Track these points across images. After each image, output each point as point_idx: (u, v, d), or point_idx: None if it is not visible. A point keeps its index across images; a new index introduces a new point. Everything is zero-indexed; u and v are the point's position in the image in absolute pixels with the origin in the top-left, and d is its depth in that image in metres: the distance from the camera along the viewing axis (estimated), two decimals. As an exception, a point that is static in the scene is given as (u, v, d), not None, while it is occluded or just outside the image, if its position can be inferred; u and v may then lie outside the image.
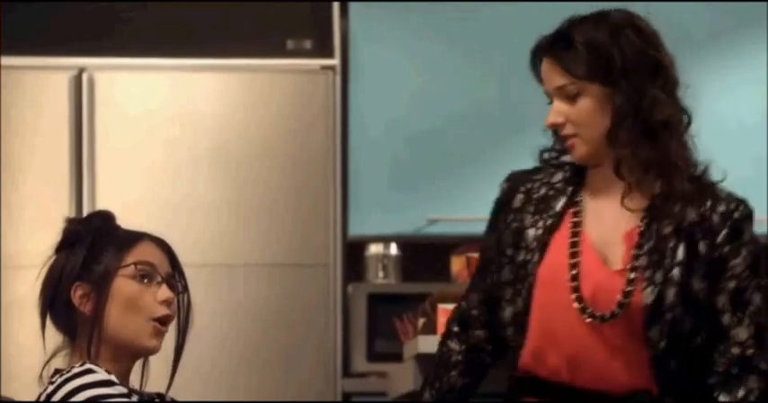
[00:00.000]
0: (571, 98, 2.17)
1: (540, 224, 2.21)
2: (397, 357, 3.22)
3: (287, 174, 3.87)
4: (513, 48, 3.88)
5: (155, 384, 2.19)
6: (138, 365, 2.19)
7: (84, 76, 3.85)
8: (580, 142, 2.17)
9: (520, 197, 2.25)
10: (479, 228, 2.34)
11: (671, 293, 2.12)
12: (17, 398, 2.28)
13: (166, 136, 3.86)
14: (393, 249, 4.17)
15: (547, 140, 2.26)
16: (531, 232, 2.21)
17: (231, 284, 3.83)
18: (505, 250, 2.23)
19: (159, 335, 2.15)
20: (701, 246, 2.14)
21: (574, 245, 2.17)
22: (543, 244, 2.20)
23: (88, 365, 2.08)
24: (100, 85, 3.85)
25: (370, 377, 3.99)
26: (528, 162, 2.28)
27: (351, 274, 4.11)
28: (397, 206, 4.08)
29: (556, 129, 2.20)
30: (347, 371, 3.96)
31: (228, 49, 3.91)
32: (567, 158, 2.26)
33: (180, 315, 2.16)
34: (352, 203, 4.06)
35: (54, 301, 2.13)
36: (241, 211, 3.86)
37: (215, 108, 3.88)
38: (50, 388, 2.06)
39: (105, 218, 2.18)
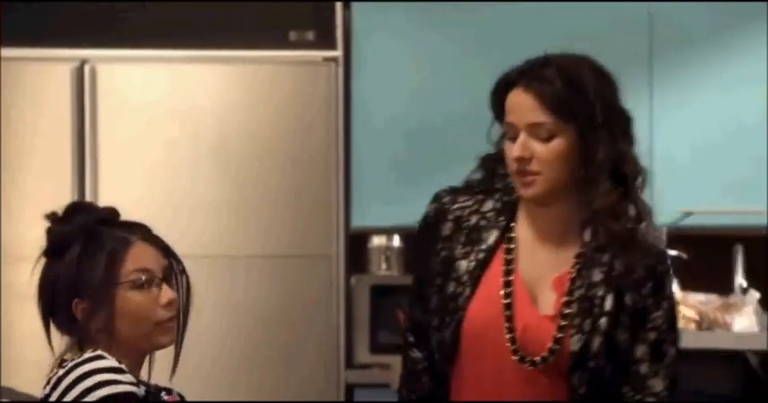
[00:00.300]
0: (544, 137, 2.16)
1: (473, 257, 2.22)
2: (400, 349, 3.21)
3: (289, 165, 3.87)
4: (515, 41, 3.93)
5: (158, 370, 2.19)
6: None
7: (86, 68, 3.84)
8: (541, 181, 2.16)
9: (449, 225, 2.24)
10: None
11: (596, 342, 2.16)
12: (19, 390, 2.28)
13: (169, 127, 3.85)
14: (396, 241, 4.16)
15: None
16: (463, 264, 2.21)
17: (233, 276, 3.83)
18: (434, 279, 2.24)
19: (168, 331, 2.15)
20: (627, 298, 2.18)
21: (507, 284, 2.19)
22: (475, 279, 2.20)
23: (99, 352, 2.08)
24: (102, 76, 3.84)
25: (374, 368, 3.98)
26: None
27: (354, 266, 4.11)
28: (400, 197, 4.07)
29: (519, 164, 2.17)
30: (350, 363, 3.95)
31: (231, 41, 3.90)
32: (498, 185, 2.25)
33: (180, 298, 2.15)
34: (354, 195, 4.05)
35: (54, 313, 2.12)
36: (244, 203, 3.85)
37: (217, 100, 3.87)
38: (60, 372, 2.06)
39: (86, 210, 2.15)
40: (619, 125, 2.18)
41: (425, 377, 2.29)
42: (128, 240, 2.11)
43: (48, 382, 2.08)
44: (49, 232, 2.14)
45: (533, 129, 2.16)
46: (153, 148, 3.85)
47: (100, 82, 3.84)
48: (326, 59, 3.91)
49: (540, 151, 2.16)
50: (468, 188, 2.27)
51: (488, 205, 2.25)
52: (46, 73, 3.84)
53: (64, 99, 3.83)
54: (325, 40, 3.93)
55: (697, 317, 3.67)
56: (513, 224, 2.23)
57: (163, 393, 2.17)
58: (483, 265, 2.21)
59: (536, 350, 2.17)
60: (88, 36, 3.85)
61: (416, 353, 2.31)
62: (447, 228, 2.24)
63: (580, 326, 2.16)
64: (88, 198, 3.77)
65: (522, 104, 2.17)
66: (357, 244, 4.12)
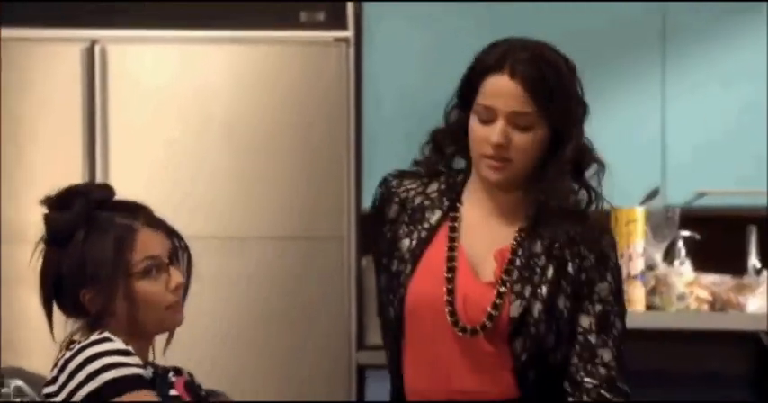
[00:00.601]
0: (523, 126, 2.18)
1: (414, 235, 2.25)
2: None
3: (300, 146, 3.85)
4: (528, 20, 3.91)
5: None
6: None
7: (97, 49, 3.82)
8: (511, 168, 2.19)
9: (395, 208, 2.28)
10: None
11: (537, 308, 2.18)
12: (27, 370, 2.27)
13: (179, 108, 3.83)
14: (407, 222, 4.14)
15: None
16: (406, 243, 2.25)
17: (244, 257, 3.82)
18: (381, 259, 2.28)
19: (177, 313, 2.15)
20: (570, 268, 2.21)
21: (450, 259, 2.22)
22: (416, 256, 2.23)
23: (106, 334, 2.07)
24: (112, 57, 3.83)
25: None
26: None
27: (365, 247, 4.09)
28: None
29: (496, 150, 2.18)
30: (361, 345, 3.94)
31: (241, 21, 3.88)
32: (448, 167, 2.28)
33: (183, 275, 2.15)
34: (366, 175, 4.04)
35: (60, 301, 2.11)
36: (254, 185, 3.84)
37: (228, 80, 3.85)
38: (68, 353, 2.06)
39: (83, 195, 2.13)
40: (583, 118, 2.23)
41: None
42: (132, 227, 2.10)
43: (55, 364, 2.07)
44: (48, 219, 2.12)
45: (515, 117, 2.17)
46: (163, 129, 3.84)
47: (110, 63, 3.82)
48: (337, 40, 3.89)
49: (517, 140, 2.18)
50: (414, 171, 2.31)
51: (433, 187, 2.28)
52: (56, 54, 3.82)
53: (74, 80, 3.82)
54: (336, 21, 3.90)
55: (710, 298, 3.66)
56: (458, 204, 2.26)
57: (171, 374, 2.17)
58: (424, 243, 2.24)
59: (477, 318, 2.20)
60: (98, 16, 3.83)
61: None
62: (393, 211, 2.28)
63: (520, 293, 2.19)
64: (99, 179, 3.76)
65: (508, 91, 2.18)
66: (368, 224, 4.10)
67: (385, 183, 2.32)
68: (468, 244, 2.24)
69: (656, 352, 3.54)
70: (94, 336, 2.06)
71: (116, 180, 3.71)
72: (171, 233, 2.15)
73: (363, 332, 4.00)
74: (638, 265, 3.55)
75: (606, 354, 2.20)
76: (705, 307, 3.66)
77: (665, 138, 4.01)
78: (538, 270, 2.21)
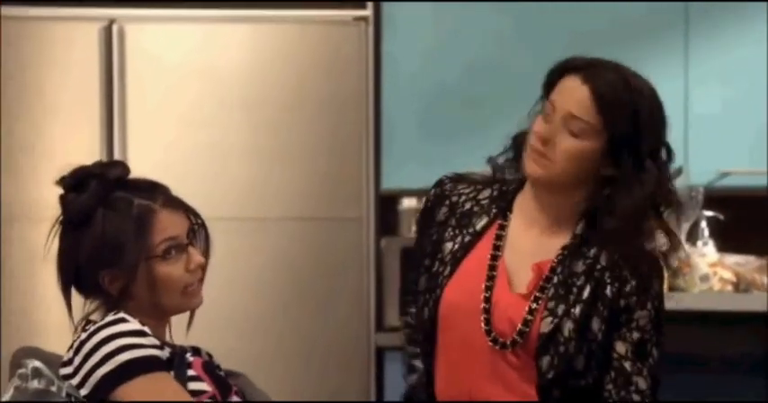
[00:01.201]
0: (575, 131, 2.15)
1: (459, 240, 2.25)
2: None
3: (319, 127, 3.84)
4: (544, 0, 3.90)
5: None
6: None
7: (115, 27, 3.81)
8: (551, 169, 2.17)
9: (444, 210, 2.28)
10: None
11: (568, 327, 2.17)
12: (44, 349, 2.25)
13: (197, 87, 3.82)
14: (426, 203, 4.13)
15: None
16: (449, 246, 2.25)
17: (263, 238, 3.81)
18: (424, 260, 2.28)
19: (197, 294, 2.13)
20: (608, 291, 2.18)
21: (492, 268, 2.22)
22: (457, 259, 2.24)
23: (122, 314, 2.05)
24: (130, 36, 3.82)
25: (404, 331, 3.96)
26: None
27: (384, 229, 4.08)
28: (431, 159, 4.03)
29: (537, 142, 2.17)
30: (380, 326, 3.93)
31: (260, 0, 3.85)
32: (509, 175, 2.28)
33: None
34: (385, 156, 4.02)
35: (78, 282, 2.10)
36: (274, 165, 3.83)
37: (246, 59, 3.84)
38: (83, 335, 2.04)
39: (98, 175, 2.11)
40: (659, 158, 2.18)
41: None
42: (152, 208, 2.08)
43: (71, 346, 2.06)
44: (64, 201, 2.10)
45: (570, 119, 2.15)
46: (181, 109, 3.82)
47: (128, 41, 3.81)
48: (356, 19, 3.87)
49: (563, 142, 2.15)
50: (471, 177, 2.32)
51: (485, 193, 2.28)
52: (74, 32, 3.81)
53: (92, 59, 3.81)
54: (355, 0, 3.87)
55: (734, 279, 3.63)
56: (508, 213, 2.26)
57: (188, 354, 2.15)
58: (467, 248, 2.24)
59: (504, 328, 2.19)
60: (116, -5, 3.82)
61: (411, 347, 2.38)
62: (442, 213, 2.28)
63: (553, 310, 2.17)
64: (117, 157, 3.75)
65: (573, 91, 2.16)
66: (387, 206, 4.10)
67: (440, 184, 2.32)
68: (509, 254, 2.23)
69: (679, 334, 3.51)
70: (110, 317, 2.05)
71: (134, 159, 3.71)
72: (188, 211, 2.13)
73: (382, 313, 3.99)
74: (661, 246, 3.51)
75: (641, 383, 2.19)
76: (729, 288, 3.63)
77: (688, 118, 3.98)
78: (575, 289, 2.18)
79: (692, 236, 3.74)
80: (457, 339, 2.23)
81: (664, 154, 2.21)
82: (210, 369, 2.15)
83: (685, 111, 3.99)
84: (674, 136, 3.94)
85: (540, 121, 2.18)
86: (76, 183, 2.09)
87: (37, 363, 2.02)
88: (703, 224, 3.74)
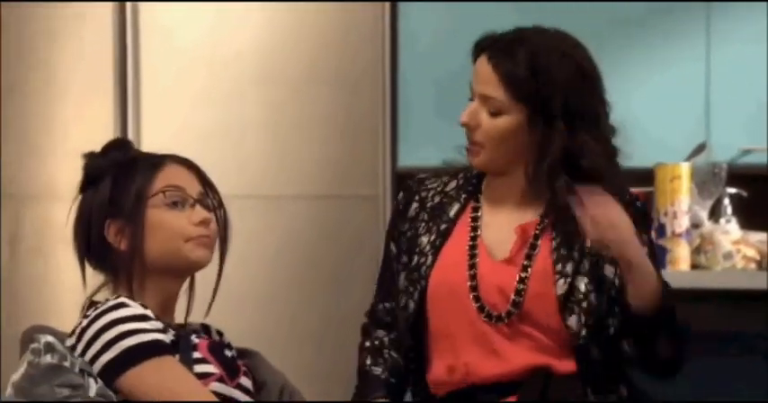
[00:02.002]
0: (492, 111, 2.18)
1: (434, 230, 2.26)
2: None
3: (335, 104, 3.80)
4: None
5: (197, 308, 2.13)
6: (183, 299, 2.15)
7: (128, 5, 3.78)
8: (484, 153, 2.20)
9: (414, 206, 2.30)
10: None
11: (583, 283, 2.16)
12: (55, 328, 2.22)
13: (212, 65, 3.79)
14: (443, 180, 4.10)
15: None
16: (425, 239, 2.26)
17: (279, 216, 3.79)
18: (401, 257, 2.29)
19: (200, 246, 2.09)
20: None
21: (472, 248, 2.22)
22: (436, 248, 2.24)
23: (122, 299, 2.02)
24: (144, 13, 3.79)
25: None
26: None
27: (400, 206, 4.05)
28: (448, 137, 3.97)
29: (465, 128, 2.22)
30: (397, 305, 3.90)
31: (276, -23, 3.82)
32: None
33: (219, 232, 2.12)
34: (401, 134, 3.99)
35: (89, 241, 2.08)
36: (289, 142, 3.79)
37: (261, 37, 3.80)
38: (84, 322, 2.02)
39: (122, 146, 2.14)
40: (582, 116, 2.16)
41: (390, 352, 2.32)
42: (162, 159, 2.10)
43: (72, 332, 2.02)
44: (85, 166, 2.13)
45: (486, 101, 2.18)
46: (196, 87, 3.79)
47: (142, 19, 3.80)
48: (374, -4, 3.82)
49: (485, 123, 2.18)
50: (435, 173, 2.35)
51: (452, 184, 2.31)
52: (87, 9, 3.78)
53: (105, 37, 3.78)
54: (373, -23, 3.83)
55: (758, 257, 3.57)
56: (479, 195, 2.28)
57: (193, 335, 2.11)
58: (445, 235, 2.25)
59: (495, 300, 2.19)
60: (130, -28, 3.79)
61: (378, 332, 2.35)
62: (413, 210, 2.30)
63: (563, 271, 2.17)
64: (131, 136, 3.75)
65: (482, 72, 2.19)
66: (404, 183, 4.06)
67: (407, 186, 2.35)
68: (487, 231, 2.24)
69: (702, 312, 3.47)
70: (110, 302, 2.02)
71: (148, 137, 3.70)
72: (205, 182, 2.12)
73: (398, 291, 3.96)
74: (683, 223, 3.46)
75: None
76: (752, 265, 3.57)
77: (710, 97, 3.94)
78: (576, 245, 2.18)
79: (715, 213, 3.69)
80: (449, 323, 2.22)
81: (601, 110, 2.20)
82: (217, 350, 2.11)
83: (707, 89, 3.94)
84: (695, 113, 3.96)
85: (465, 110, 2.21)
86: (100, 151, 2.12)
87: (50, 338, 1.98)
88: (726, 201, 3.69)
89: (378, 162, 3.82)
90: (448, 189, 2.30)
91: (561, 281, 2.16)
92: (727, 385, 3.50)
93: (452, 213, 2.27)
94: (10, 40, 3.76)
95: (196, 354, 2.05)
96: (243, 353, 2.21)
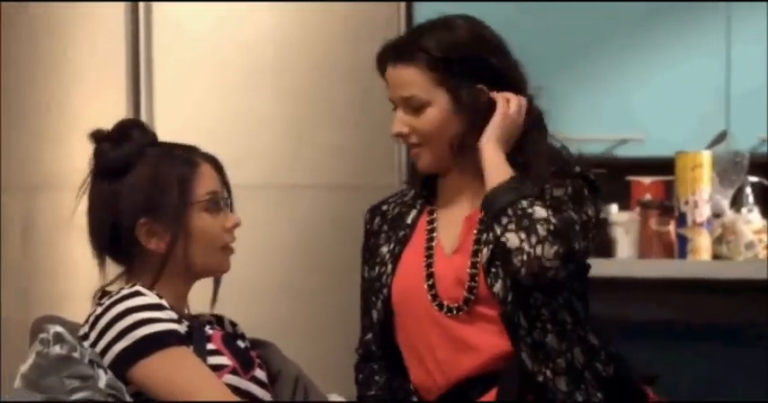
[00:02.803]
0: (417, 108, 2.20)
1: (393, 239, 2.30)
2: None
3: (351, 93, 3.76)
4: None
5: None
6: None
7: (142, -5, 3.76)
8: (426, 151, 2.23)
9: (377, 220, 2.36)
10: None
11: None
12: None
13: (226, 54, 3.75)
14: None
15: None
16: (385, 248, 2.30)
17: (294, 206, 3.75)
18: (367, 273, 2.33)
19: (229, 256, 2.08)
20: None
21: (428, 248, 2.25)
22: (395, 256, 2.28)
23: (137, 287, 1.98)
24: (157, 3, 3.73)
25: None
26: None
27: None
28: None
29: (401, 139, 2.25)
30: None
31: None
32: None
33: None
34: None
35: (112, 235, 2.02)
36: (305, 132, 3.75)
37: (277, 27, 3.76)
38: (99, 310, 1.97)
39: (144, 132, 2.06)
40: (493, 80, 2.20)
41: (383, 376, 2.34)
42: (195, 161, 2.04)
43: (86, 321, 1.98)
44: (102, 152, 2.04)
45: (406, 102, 2.21)
46: (209, 76, 3.75)
47: (155, 9, 3.74)
48: (388, -14, 3.80)
49: (415, 124, 2.21)
50: (397, 192, 2.40)
51: (410, 194, 2.35)
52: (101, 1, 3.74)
53: (118, 24, 3.73)
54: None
55: (782, 246, 3.53)
56: (434, 200, 2.31)
57: (207, 327, 2.06)
58: (403, 242, 2.28)
59: (457, 293, 2.19)
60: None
61: (369, 364, 2.35)
62: (376, 224, 2.35)
63: (486, 240, 2.18)
64: (143, 125, 3.70)
65: (394, 78, 2.22)
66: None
67: (371, 207, 2.40)
68: (443, 231, 2.27)
69: (723, 303, 3.43)
70: (125, 291, 1.97)
71: (161, 127, 3.65)
72: (224, 182, 2.10)
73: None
74: (704, 212, 3.41)
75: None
76: (776, 254, 3.53)
77: (730, 86, 3.91)
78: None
79: (737, 202, 3.65)
80: (416, 327, 2.24)
81: (515, 73, 2.24)
82: (231, 341, 2.06)
83: (727, 78, 3.90)
84: (715, 102, 3.92)
85: (394, 122, 2.25)
86: (117, 134, 2.02)
87: (58, 328, 1.94)
88: (748, 190, 3.66)
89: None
90: (406, 199, 2.35)
91: (485, 249, 2.17)
92: (749, 375, 3.46)
93: (410, 220, 2.30)
94: (23, 31, 3.73)
95: (210, 346, 2.01)
96: (257, 344, 2.17)
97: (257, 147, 3.75)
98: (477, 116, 2.19)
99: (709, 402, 3.34)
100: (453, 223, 2.26)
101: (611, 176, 3.53)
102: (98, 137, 2.06)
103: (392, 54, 2.23)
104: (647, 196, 3.68)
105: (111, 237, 2.03)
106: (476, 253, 2.20)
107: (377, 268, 2.29)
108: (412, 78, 2.19)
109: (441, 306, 2.21)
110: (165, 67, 3.75)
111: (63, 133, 3.71)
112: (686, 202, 3.40)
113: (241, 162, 3.64)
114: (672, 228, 3.49)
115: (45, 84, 3.74)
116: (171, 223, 1.99)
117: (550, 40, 3.99)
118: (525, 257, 2.08)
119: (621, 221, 3.62)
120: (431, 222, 2.29)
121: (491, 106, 2.20)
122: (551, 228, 2.09)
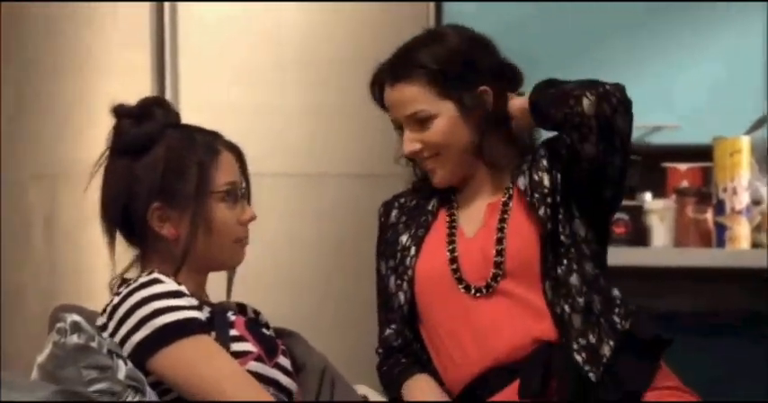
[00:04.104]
0: (423, 123, 2.23)
1: (414, 226, 2.31)
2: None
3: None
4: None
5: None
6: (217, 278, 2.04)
7: (166, -18, 3.73)
8: (441, 163, 2.26)
9: (394, 213, 2.37)
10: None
11: (543, 209, 2.20)
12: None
13: (252, 45, 3.71)
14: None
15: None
16: (405, 235, 2.31)
17: (319, 194, 3.70)
18: (388, 262, 2.32)
19: (243, 249, 2.03)
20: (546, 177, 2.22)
21: (451, 235, 2.26)
22: (419, 239, 2.28)
23: (156, 274, 1.91)
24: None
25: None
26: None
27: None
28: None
29: (415, 157, 2.28)
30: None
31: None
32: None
33: None
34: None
35: (124, 218, 1.96)
36: (330, 121, 3.72)
37: (302, 15, 3.72)
38: (116, 299, 1.91)
39: (168, 111, 2.01)
40: (490, 79, 2.23)
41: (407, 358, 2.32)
42: (217, 148, 1.98)
43: (104, 310, 1.92)
44: (124, 128, 1.98)
45: (413, 119, 2.24)
46: (234, 65, 3.72)
47: (180, 4, 3.70)
48: (416, -25, 3.76)
49: (425, 137, 2.24)
50: (406, 190, 2.43)
51: (427, 187, 2.36)
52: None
53: (143, 16, 3.69)
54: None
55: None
56: (454, 195, 2.32)
57: (230, 313, 2.00)
58: (426, 228, 2.29)
59: (477, 271, 2.20)
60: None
61: (392, 357, 2.33)
62: (393, 216, 2.37)
63: (540, 197, 2.19)
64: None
65: (395, 98, 2.26)
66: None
67: (384, 202, 2.43)
68: (464, 218, 2.28)
69: (764, 293, 3.35)
70: (143, 279, 1.91)
71: (186, 117, 3.61)
72: (244, 173, 2.06)
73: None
74: (742, 200, 3.34)
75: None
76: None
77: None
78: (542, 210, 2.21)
79: (776, 189, 3.57)
80: (442, 311, 2.22)
81: (508, 70, 2.27)
82: (254, 327, 1.99)
83: (766, 61, 3.82)
84: (754, 88, 3.84)
85: (401, 139, 2.29)
86: (139, 112, 1.96)
87: (76, 317, 1.87)
88: (788, 177, 3.57)
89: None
90: (423, 191, 2.36)
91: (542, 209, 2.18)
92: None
93: (431, 206, 2.31)
94: (45, 22, 3.70)
95: (233, 332, 1.95)
96: (281, 334, 2.11)
97: (281, 136, 3.69)
98: (486, 116, 2.21)
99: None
100: (475, 212, 2.27)
101: (645, 164, 3.46)
102: (120, 112, 2.00)
103: (389, 76, 2.26)
104: (684, 183, 3.60)
105: (123, 216, 1.96)
106: (501, 229, 2.19)
107: (398, 255, 2.29)
108: (416, 95, 2.22)
109: (468, 288, 2.20)
110: (190, 59, 3.71)
111: (86, 126, 3.67)
112: (725, 189, 3.32)
113: (263, 150, 3.61)
114: (709, 215, 3.41)
115: (69, 75, 3.71)
116: (186, 210, 1.93)
117: (582, 30, 3.94)
118: (594, 97, 2.11)
119: (656, 209, 3.54)
120: (451, 214, 2.29)
121: (497, 103, 2.22)
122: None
